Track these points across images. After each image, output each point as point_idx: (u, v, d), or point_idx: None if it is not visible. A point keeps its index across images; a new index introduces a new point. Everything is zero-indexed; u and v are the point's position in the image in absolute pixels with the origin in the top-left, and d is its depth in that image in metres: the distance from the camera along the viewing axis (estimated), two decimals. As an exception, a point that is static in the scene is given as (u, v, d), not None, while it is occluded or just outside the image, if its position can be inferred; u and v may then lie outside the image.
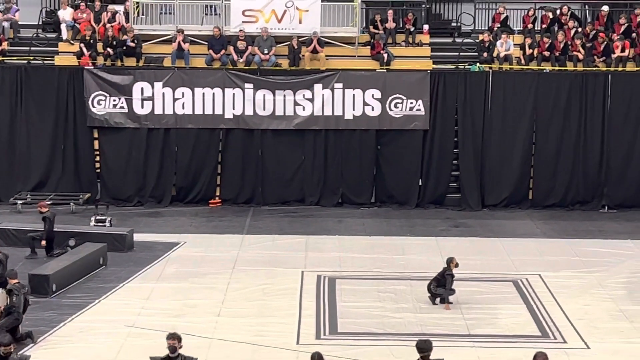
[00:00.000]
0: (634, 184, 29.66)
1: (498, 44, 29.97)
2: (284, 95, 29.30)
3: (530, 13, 31.20)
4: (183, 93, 29.33)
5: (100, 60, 29.53)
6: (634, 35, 30.26)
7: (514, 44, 30.20)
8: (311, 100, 29.35)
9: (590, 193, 29.78)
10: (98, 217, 26.09)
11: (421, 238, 26.16)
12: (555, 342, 18.47)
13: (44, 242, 23.48)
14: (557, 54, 29.82)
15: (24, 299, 18.06)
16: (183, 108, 29.35)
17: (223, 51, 29.74)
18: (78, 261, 21.97)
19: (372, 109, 29.40)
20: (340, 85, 29.34)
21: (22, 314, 17.94)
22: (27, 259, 23.16)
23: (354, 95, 29.38)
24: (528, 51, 29.87)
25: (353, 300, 20.72)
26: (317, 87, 29.31)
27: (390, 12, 30.92)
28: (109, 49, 29.48)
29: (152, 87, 29.26)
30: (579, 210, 29.55)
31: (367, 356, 17.53)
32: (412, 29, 30.96)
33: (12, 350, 13.93)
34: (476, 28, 32.28)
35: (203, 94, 29.34)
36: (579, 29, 30.64)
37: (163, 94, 29.28)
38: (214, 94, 29.35)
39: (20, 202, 28.69)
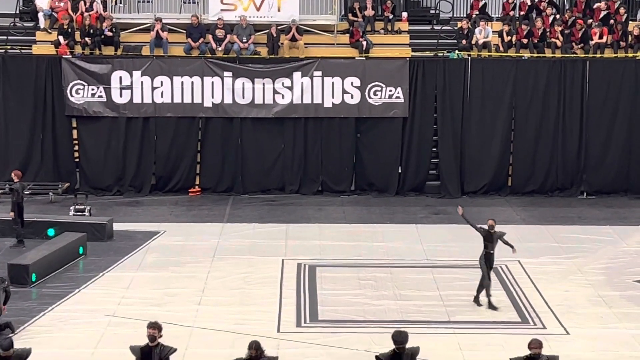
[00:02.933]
0: (612, 170, 29.80)
1: (477, 31, 30.01)
2: (263, 84, 29.25)
3: (510, 0, 31.25)
4: (162, 82, 29.24)
5: (78, 49, 29.39)
6: (611, 22, 30.35)
7: (493, 31, 30.25)
8: (290, 88, 29.31)
9: (569, 179, 29.89)
10: (77, 207, 26.02)
11: (401, 225, 26.20)
12: (535, 327, 18.56)
13: (12, 214, 23.26)
14: (535, 40, 29.90)
15: (4, 292, 17.96)
16: (162, 97, 29.27)
17: (201, 40, 29.67)
18: (57, 251, 21.90)
19: (352, 96, 29.40)
20: (319, 73, 29.30)
21: (2, 307, 17.85)
22: (11, 249, 23.03)
23: (333, 83, 29.36)
24: (506, 38, 29.92)
25: (333, 288, 20.76)
26: (296, 75, 29.28)
27: (369, -1, 30.96)
28: (86, 38, 29.35)
29: (131, 76, 29.15)
30: (558, 197, 29.67)
31: (347, 343, 17.57)
32: (390, 17, 30.96)
33: (11, 354, 13.85)
34: (455, 15, 32.31)
35: (182, 82, 29.26)
36: (557, 16, 30.72)
37: (142, 82, 29.19)
38: (192, 82, 29.28)
39: (-1, 192, 28.62)
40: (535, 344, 13.97)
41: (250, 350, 13.83)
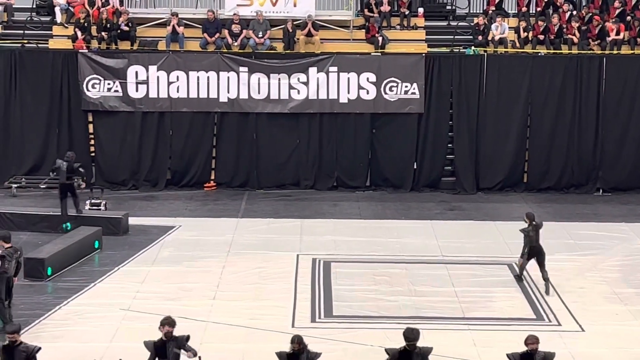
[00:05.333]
0: (628, 167, 29.70)
1: (493, 27, 29.94)
2: (279, 79, 29.25)
3: (525, -4, 31.24)
4: (177, 76, 29.28)
5: (94, 44, 29.46)
6: (628, 18, 30.24)
7: (509, 27, 30.18)
8: (306, 83, 29.32)
9: (585, 176, 29.81)
10: (93, 201, 26.04)
11: (416, 221, 26.18)
12: (550, 324, 18.54)
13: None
14: (551, 37, 29.81)
15: (15, 263, 17.99)
16: (178, 92, 29.31)
17: (217, 35, 29.68)
18: (73, 245, 21.97)
19: (367, 92, 29.38)
20: (335, 68, 29.29)
21: (12, 278, 17.90)
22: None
23: (348, 78, 29.35)
24: (523, 34, 29.84)
25: (348, 284, 20.76)
26: (312, 70, 29.27)
27: (385, -5, 30.92)
28: (103, 33, 29.41)
29: (147, 70, 29.20)
30: (573, 194, 29.58)
31: (362, 339, 17.58)
32: (407, 12, 30.92)
33: (18, 338, 13.88)
34: (471, 11, 32.22)
35: (198, 77, 29.29)
36: (574, 12, 30.63)
37: (157, 77, 29.23)
38: (208, 77, 29.31)
39: (15, 185, 28.68)
40: (532, 340, 13.99)
41: (293, 344, 13.90)
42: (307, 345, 13.99)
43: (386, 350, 14.08)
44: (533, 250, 20.52)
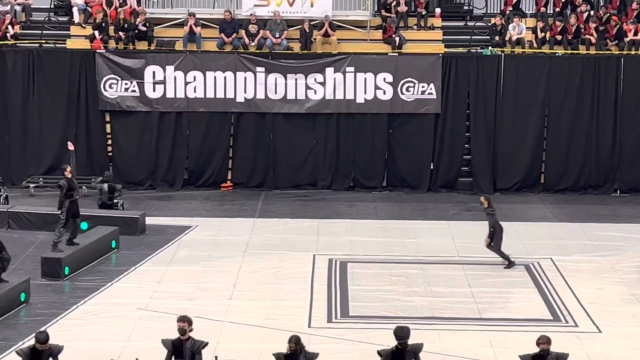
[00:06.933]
0: (646, 168, 29.63)
1: (510, 28, 29.88)
2: (296, 79, 29.27)
3: (543, -4, 31.15)
4: (195, 77, 29.33)
5: (112, 44, 29.54)
6: (647, 18, 30.15)
7: (526, 28, 30.11)
8: (323, 84, 29.33)
9: (603, 177, 29.71)
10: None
11: (433, 222, 26.15)
12: (567, 325, 18.48)
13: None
14: (569, 37, 29.73)
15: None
16: (195, 92, 29.37)
17: (234, 35, 29.72)
18: (90, 244, 22.02)
19: (384, 92, 29.37)
20: (351, 69, 29.29)
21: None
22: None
23: (365, 79, 29.34)
24: (540, 35, 29.77)
25: (364, 284, 20.76)
26: (329, 70, 29.28)
27: (402, -5, 30.89)
28: (120, 33, 29.49)
29: (164, 70, 29.27)
30: (591, 194, 29.50)
31: (378, 339, 17.51)
32: (424, 13, 30.88)
33: (48, 347, 13.95)
34: (488, 11, 32.16)
35: (215, 77, 29.34)
36: (592, 12, 30.53)
37: (175, 77, 29.30)
38: (225, 77, 29.35)
39: (33, 185, 28.80)
40: (544, 340, 13.92)
41: (290, 344, 13.90)
42: (304, 347, 14.01)
43: (379, 352, 14.07)
44: (498, 227, 21.66)
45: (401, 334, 13.88)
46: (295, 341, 13.90)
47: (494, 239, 21.83)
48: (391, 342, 17.23)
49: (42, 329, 16.37)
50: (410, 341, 14.06)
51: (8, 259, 18.97)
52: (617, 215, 27.23)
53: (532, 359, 13.95)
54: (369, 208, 27.77)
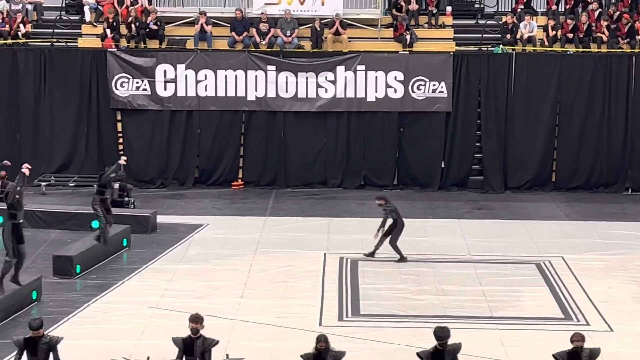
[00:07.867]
0: (658, 166, 29.56)
1: (521, 26, 29.83)
2: (307, 78, 29.28)
3: (555, -6, 31.08)
4: (206, 75, 29.36)
5: (123, 43, 29.58)
6: (658, 16, 30.09)
7: (538, 26, 30.05)
8: (333, 82, 29.32)
9: (614, 175, 29.65)
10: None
11: (444, 220, 26.14)
12: (578, 324, 18.43)
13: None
14: (580, 35, 29.67)
15: None
16: (206, 90, 29.40)
17: (245, 33, 29.73)
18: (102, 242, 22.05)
19: (395, 91, 29.36)
20: (362, 67, 29.29)
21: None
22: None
23: (376, 77, 29.33)
24: (551, 33, 29.72)
25: (375, 282, 20.75)
26: (340, 69, 29.28)
27: (413, -7, 30.86)
28: (132, 31, 29.52)
29: (175, 69, 29.31)
30: (602, 193, 29.43)
31: (389, 338, 17.56)
32: (434, 11, 30.85)
33: (41, 334, 13.96)
34: (499, 10, 32.18)
35: (225, 76, 29.37)
36: (604, 10, 30.46)
37: (186, 76, 29.33)
38: (236, 76, 29.37)
39: (44, 184, 28.86)
40: (578, 337, 13.88)
41: (320, 342, 13.87)
42: (330, 344, 13.99)
43: (418, 354, 13.91)
44: (400, 224, 22.12)
45: (442, 334, 13.71)
46: (324, 339, 13.88)
47: (393, 233, 22.16)
48: (402, 341, 17.32)
49: (54, 327, 16.48)
50: (450, 341, 13.92)
51: (24, 255, 18.95)
52: (629, 213, 27.17)
53: (568, 356, 13.90)
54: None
